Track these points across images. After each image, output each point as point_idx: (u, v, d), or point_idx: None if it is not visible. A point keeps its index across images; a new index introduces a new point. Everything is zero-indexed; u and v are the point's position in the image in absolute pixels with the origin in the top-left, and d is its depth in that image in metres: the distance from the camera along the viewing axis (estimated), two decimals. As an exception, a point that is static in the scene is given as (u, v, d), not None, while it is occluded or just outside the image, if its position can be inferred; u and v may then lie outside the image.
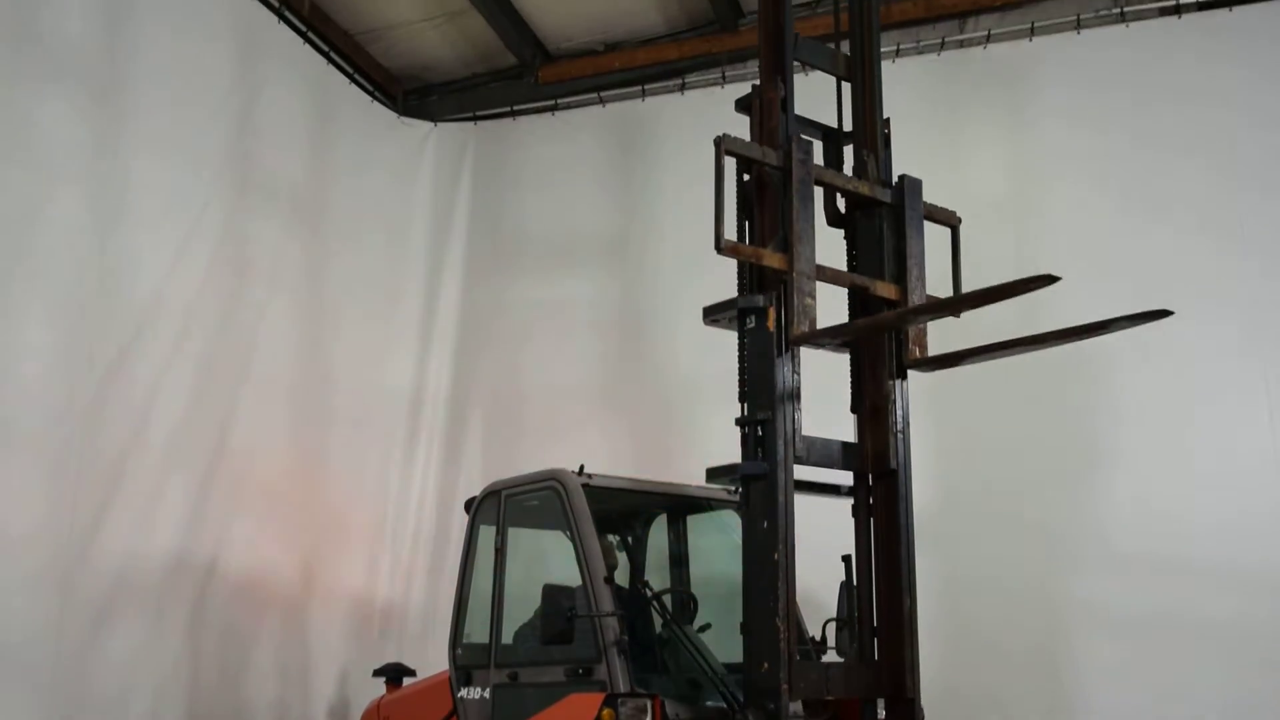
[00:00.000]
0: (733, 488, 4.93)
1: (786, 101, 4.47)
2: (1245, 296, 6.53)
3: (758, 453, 4.16)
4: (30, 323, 5.76)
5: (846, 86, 4.94)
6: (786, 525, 4.06)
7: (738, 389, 4.31)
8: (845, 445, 4.50)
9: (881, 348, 4.54)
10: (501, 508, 5.28)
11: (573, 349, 8.24)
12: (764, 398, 4.17)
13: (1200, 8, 7.14)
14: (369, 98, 8.83)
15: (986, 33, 7.62)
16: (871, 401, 4.53)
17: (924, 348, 4.51)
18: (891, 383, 4.50)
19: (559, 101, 8.90)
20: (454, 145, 9.11)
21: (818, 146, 4.63)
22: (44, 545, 5.69)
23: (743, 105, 4.60)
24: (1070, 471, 6.65)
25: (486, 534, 5.37)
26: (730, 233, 4.21)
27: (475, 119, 9.16)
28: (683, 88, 8.44)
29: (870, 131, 4.74)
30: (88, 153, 6.15)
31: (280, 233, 7.61)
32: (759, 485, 4.13)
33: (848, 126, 4.89)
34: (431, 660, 5.85)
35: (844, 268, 4.66)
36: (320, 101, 8.22)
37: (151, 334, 6.48)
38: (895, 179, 4.68)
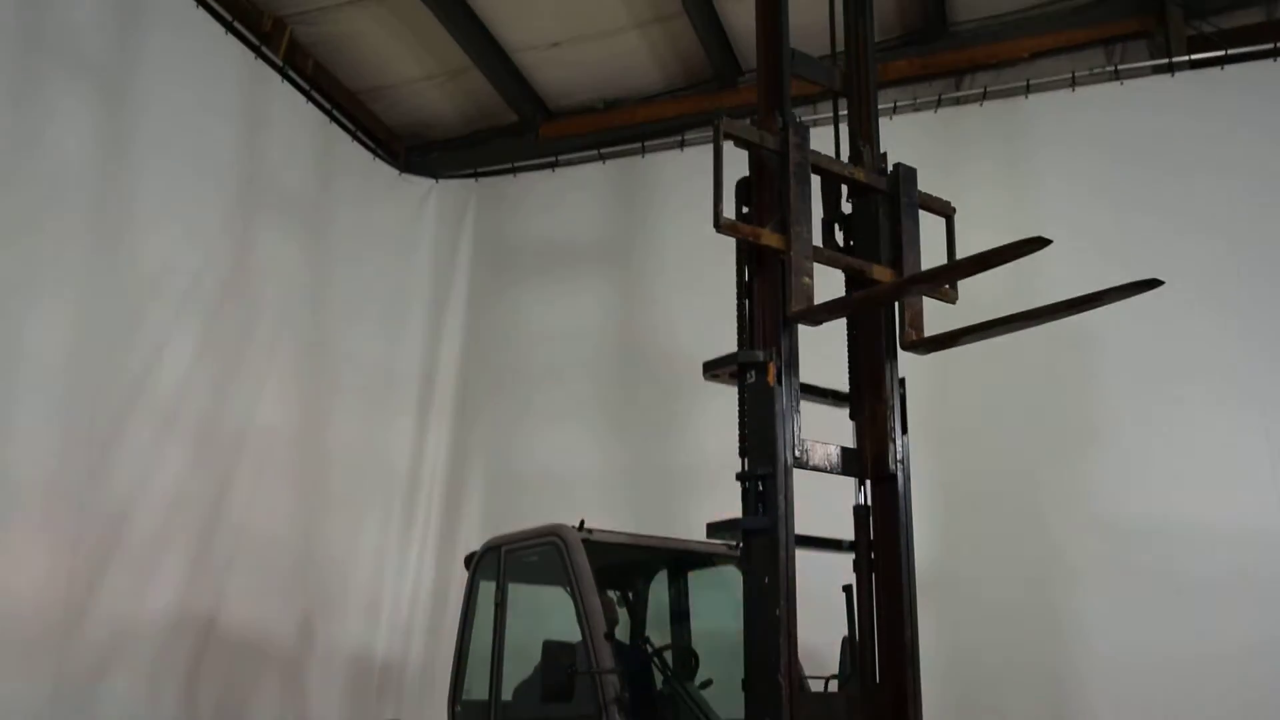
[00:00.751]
0: (734, 543, 4.90)
1: (784, 92, 4.55)
2: (1242, 358, 6.57)
3: (758, 507, 4.15)
4: (30, 385, 5.74)
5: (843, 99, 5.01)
6: (788, 581, 4.04)
7: (738, 444, 4.31)
8: (844, 450, 4.48)
9: (880, 352, 4.57)
10: (501, 563, 5.25)
11: (573, 408, 8.23)
12: (764, 453, 4.16)
13: (1193, 66, 7.23)
14: (371, 155, 8.90)
15: (983, 90, 7.71)
16: (870, 407, 4.56)
17: (920, 330, 4.54)
18: (890, 388, 4.53)
19: (559, 158, 8.97)
20: (455, 202, 9.17)
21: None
22: (41, 606, 5.64)
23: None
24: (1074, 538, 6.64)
25: (486, 590, 5.34)
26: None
27: (476, 175, 9.23)
28: (682, 144, 8.52)
29: (866, 123, 4.86)
30: (87, 212, 6.15)
31: (281, 295, 7.62)
32: (760, 540, 4.11)
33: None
34: (431, 718, 5.80)
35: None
36: (322, 159, 8.28)
37: (151, 397, 6.46)
38: (890, 168, 4.78)
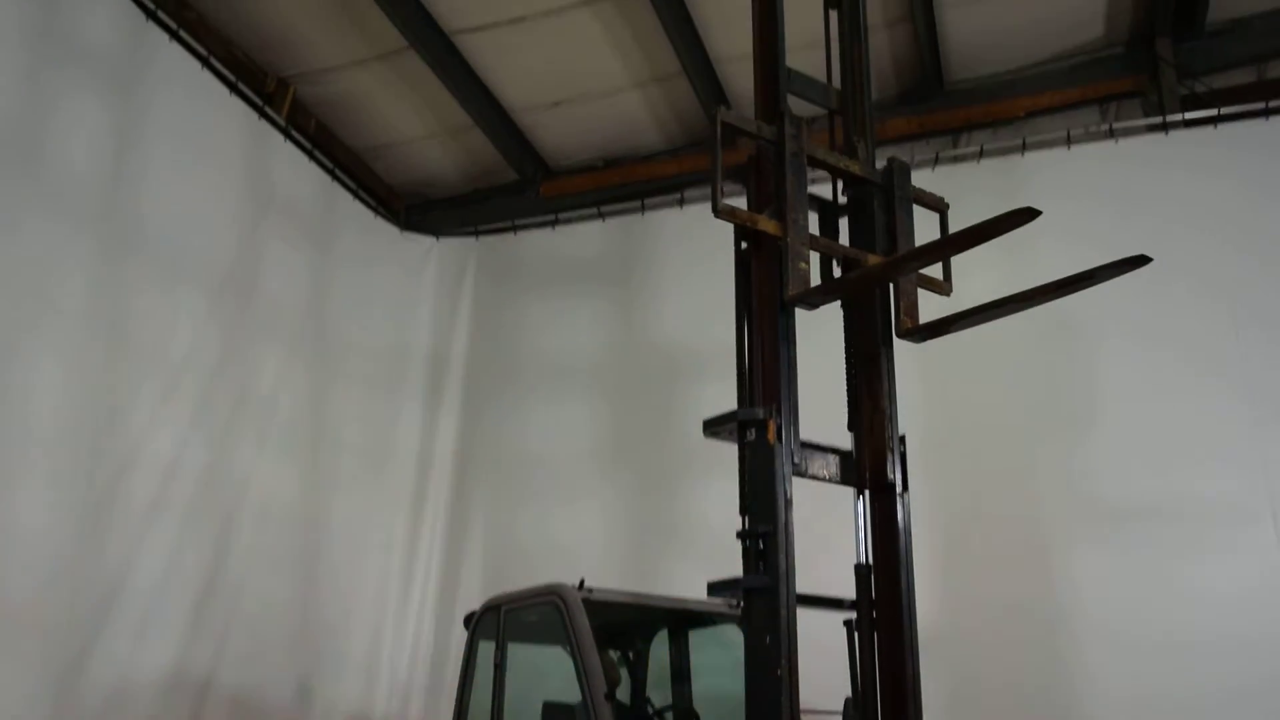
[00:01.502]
0: (734, 602, 4.87)
1: (780, 87, 4.68)
2: (1240, 411, 6.57)
3: (759, 566, 4.13)
4: (27, 446, 5.72)
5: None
6: (789, 640, 4.01)
7: (738, 501, 4.30)
8: (843, 458, 4.50)
9: (879, 360, 4.61)
10: (501, 623, 5.22)
11: (573, 466, 8.20)
12: (765, 511, 4.15)
13: (1187, 125, 7.30)
14: (372, 213, 8.96)
15: (980, 148, 7.78)
16: (868, 417, 4.57)
17: (915, 319, 4.60)
18: (887, 398, 4.56)
19: (560, 216, 9.03)
20: (456, 259, 9.21)
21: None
22: (37, 668, 5.59)
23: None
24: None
25: (486, 650, 5.30)
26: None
27: (477, 233, 9.29)
28: (681, 202, 8.57)
29: (861, 120, 4.96)
30: (89, 270, 6.17)
31: (281, 354, 7.64)
32: (761, 599, 4.08)
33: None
34: (430, 779, 5.74)
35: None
36: (324, 218, 8.34)
37: (149, 459, 6.45)
38: (884, 163, 4.89)
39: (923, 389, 6.38)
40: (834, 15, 5.18)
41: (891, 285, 4.64)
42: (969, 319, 4.42)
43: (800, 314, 4.39)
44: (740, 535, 4.22)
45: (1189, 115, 7.34)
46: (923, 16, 7.39)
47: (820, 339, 4.76)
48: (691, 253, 8.17)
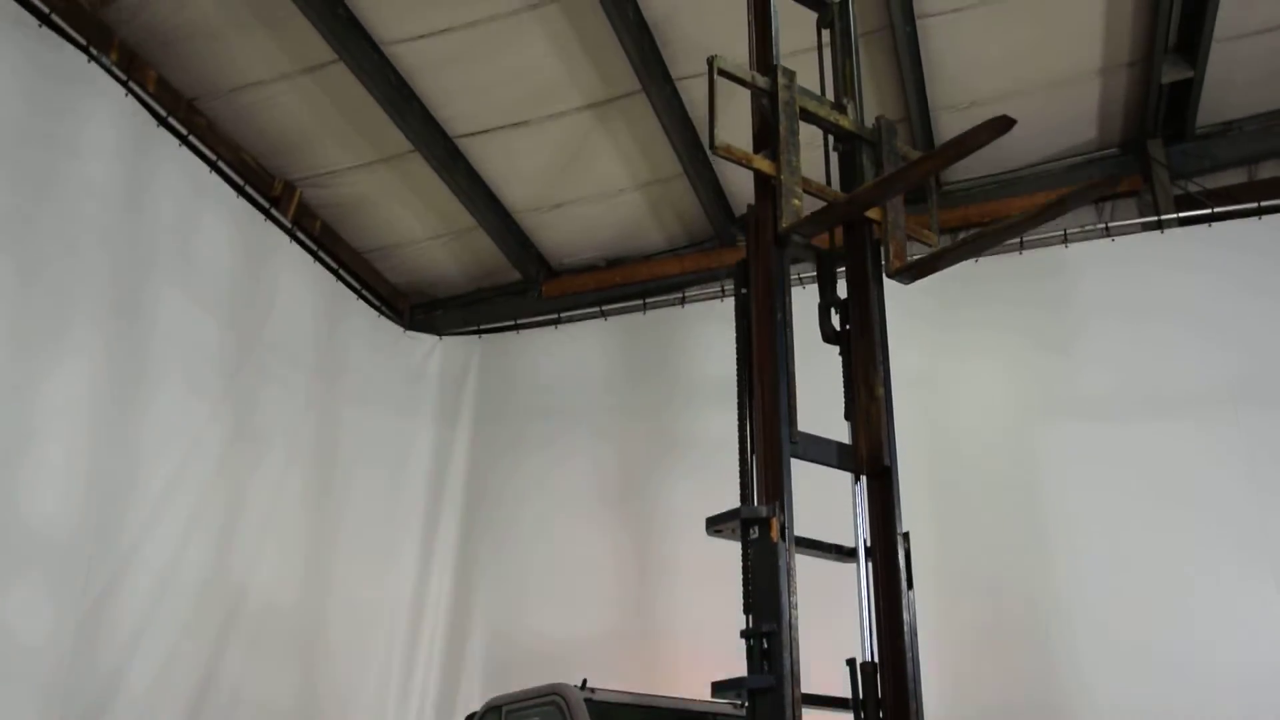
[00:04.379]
0: (739, 702, 4.80)
1: (772, 39, 4.99)
2: (1241, 506, 6.56)
3: (763, 665, 4.09)
4: (27, 540, 5.69)
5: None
6: (795, 741, 3.96)
7: (742, 600, 4.27)
8: (840, 446, 4.62)
9: (873, 345, 4.79)
10: (502, 724, 5.15)
11: (574, 564, 8.13)
12: (769, 609, 4.12)
13: (1181, 223, 7.41)
14: (376, 313, 9.03)
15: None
16: (864, 407, 4.73)
17: (904, 259, 4.87)
18: (881, 388, 4.73)
19: (562, 315, 9.10)
20: (458, 358, 9.26)
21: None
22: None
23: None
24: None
25: (487, 752, 5.22)
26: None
27: (480, 332, 9.35)
28: (683, 301, 8.65)
29: (849, 83, 5.30)
30: (93, 368, 6.19)
31: (284, 451, 7.64)
32: (765, 699, 4.03)
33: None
34: None
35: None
36: (329, 317, 8.40)
37: (149, 554, 6.41)
38: (873, 121, 5.18)
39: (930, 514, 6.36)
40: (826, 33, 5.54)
41: (882, 232, 4.97)
42: (954, 254, 4.70)
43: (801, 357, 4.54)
44: (744, 634, 4.19)
45: (1183, 214, 7.46)
46: (919, 119, 7.53)
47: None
48: (693, 351, 8.23)
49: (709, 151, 4.63)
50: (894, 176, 4.57)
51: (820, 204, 4.72)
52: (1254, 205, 7.20)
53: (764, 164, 4.70)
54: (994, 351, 7.47)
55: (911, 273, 4.86)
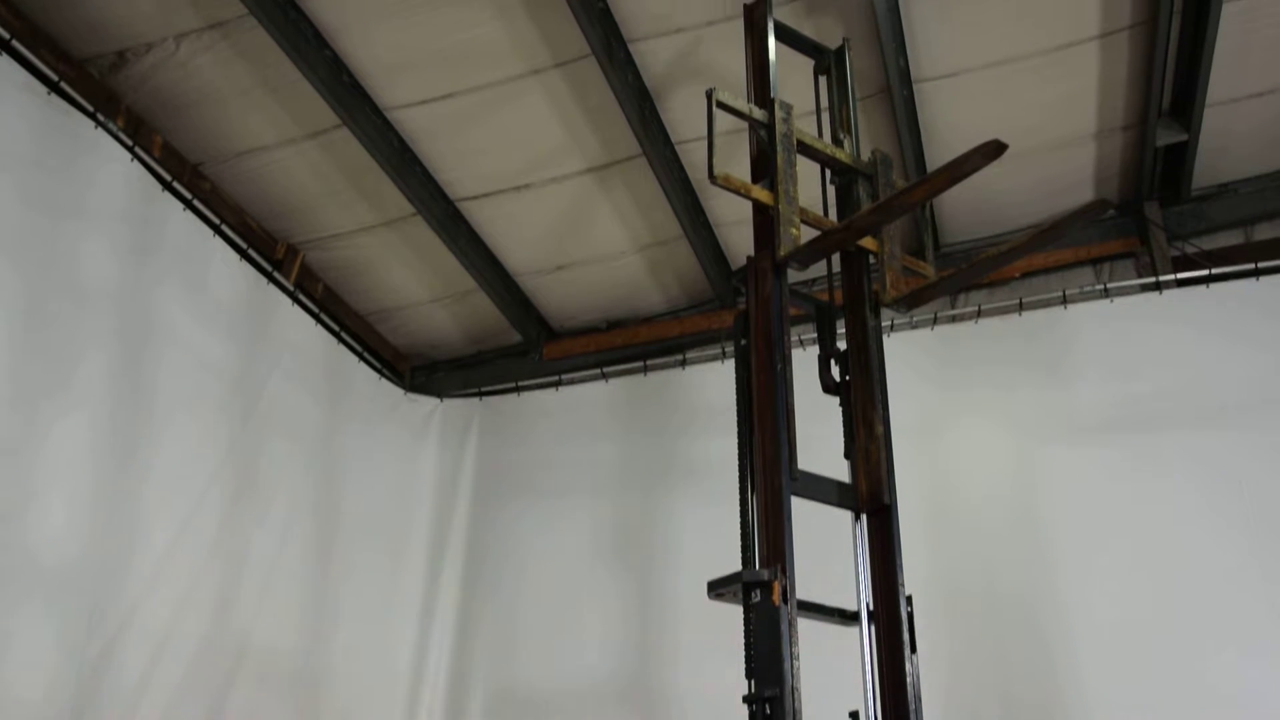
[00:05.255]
0: (742, 768, 4.74)
1: (769, 74, 5.14)
2: (1243, 567, 6.50)
3: (766, 730, 4.05)
4: (25, 598, 5.65)
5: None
6: (799, 808, 3.92)
7: (744, 664, 4.24)
8: (840, 484, 4.70)
9: (872, 384, 4.84)
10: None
11: (575, 626, 8.07)
12: (771, 673, 4.10)
13: (1180, 284, 7.45)
14: (377, 375, 9.04)
15: (977, 308, 7.91)
16: (863, 445, 4.80)
17: (900, 288, 4.97)
18: (880, 426, 4.80)
19: (563, 376, 9.11)
20: (459, 420, 9.24)
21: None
22: None
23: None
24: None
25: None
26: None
27: (480, 394, 9.35)
28: (683, 363, 8.67)
29: (845, 116, 5.45)
30: (95, 427, 6.18)
31: (285, 513, 7.60)
32: (769, 765, 4.00)
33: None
34: None
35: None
36: (330, 379, 8.40)
37: (149, 613, 6.35)
38: (869, 154, 5.35)
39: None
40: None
41: (878, 263, 5.07)
42: (949, 282, 4.78)
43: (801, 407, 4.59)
44: (746, 700, 4.17)
45: (1181, 275, 7.50)
46: (916, 179, 7.59)
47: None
48: (693, 412, 8.23)
49: (709, 180, 4.71)
50: (890, 201, 4.62)
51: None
52: (1251, 266, 7.23)
53: (762, 194, 4.81)
54: (993, 409, 7.47)
55: (908, 301, 4.95)
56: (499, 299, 8.87)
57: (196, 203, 7.28)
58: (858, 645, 4.65)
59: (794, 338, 5.15)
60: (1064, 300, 7.62)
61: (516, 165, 7.79)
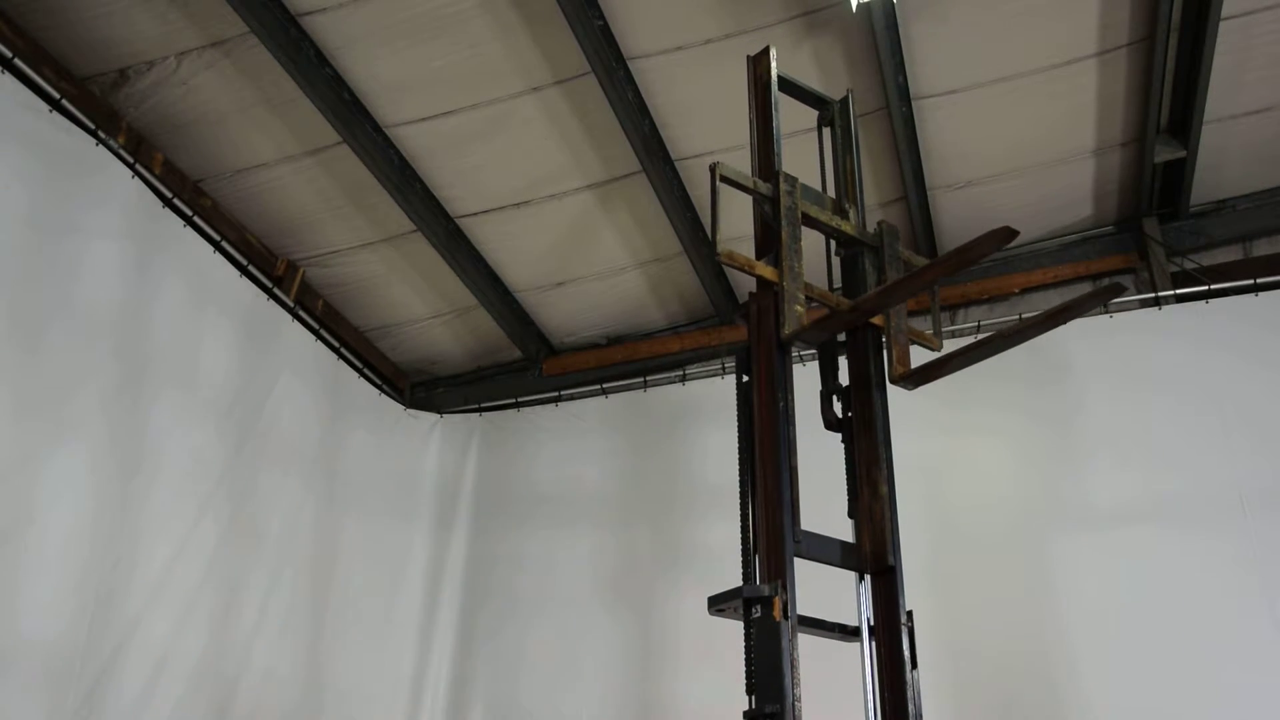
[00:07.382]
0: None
1: (775, 147, 5.06)
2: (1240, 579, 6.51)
3: (768, 747, 4.04)
4: (21, 623, 5.62)
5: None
6: (800, 826, 3.90)
7: (745, 680, 4.23)
8: (844, 545, 4.63)
9: (876, 444, 4.76)
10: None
11: (576, 644, 8.06)
12: (772, 690, 4.09)
13: (1179, 300, 7.46)
14: (377, 391, 9.03)
15: (977, 324, 7.92)
16: (867, 506, 4.72)
17: (907, 365, 4.87)
18: (885, 486, 4.71)
19: (563, 393, 9.11)
20: (459, 436, 9.23)
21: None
22: None
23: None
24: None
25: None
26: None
27: (480, 410, 9.35)
28: (684, 379, 8.66)
29: (850, 186, 5.39)
30: (94, 448, 6.16)
31: (284, 530, 7.58)
32: (770, 782, 3.99)
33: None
34: None
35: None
36: (330, 396, 8.38)
37: (145, 638, 6.32)
38: (874, 226, 5.26)
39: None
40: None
41: (884, 338, 4.98)
42: (959, 360, 4.68)
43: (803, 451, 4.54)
44: (747, 715, 4.16)
45: (1180, 291, 7.52)
46: (916, 198, 7.62)
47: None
48: (694, 428, 8.23)
49: (713, 257, 4.72)
50: (897, 285, 4.58)
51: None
52: (1250, 282, 7.25)
53: (767, 270, 4.75)
54: (995, 428, 7.47)
55: (915, 379, 4.84)
56: (499, 315, 8.87)
57: (197, 219, 7.29)
58: (858, 661, 4.65)
59: (794, 353, 5.15)
60: (1064, 317, 7.61)
61: (517, 182, 7.80)
